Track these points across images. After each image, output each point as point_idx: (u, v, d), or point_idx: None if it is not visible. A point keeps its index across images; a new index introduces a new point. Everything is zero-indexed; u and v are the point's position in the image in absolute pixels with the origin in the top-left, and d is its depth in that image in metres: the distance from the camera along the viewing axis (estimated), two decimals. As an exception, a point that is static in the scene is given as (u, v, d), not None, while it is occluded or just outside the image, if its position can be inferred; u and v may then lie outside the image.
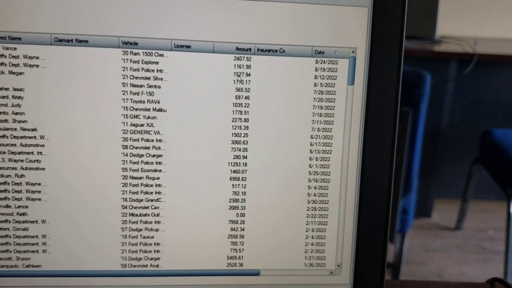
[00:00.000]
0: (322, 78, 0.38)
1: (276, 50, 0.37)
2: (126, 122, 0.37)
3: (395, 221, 1.34)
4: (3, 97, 0.36)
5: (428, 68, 1.37)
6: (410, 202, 1.42)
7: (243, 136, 0.38)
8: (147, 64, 0.36)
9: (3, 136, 0.36)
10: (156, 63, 0.36)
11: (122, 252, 0.38)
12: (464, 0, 2.36)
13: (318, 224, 0.39)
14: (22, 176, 0.37)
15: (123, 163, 0.37)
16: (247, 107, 0.37)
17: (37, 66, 0.36)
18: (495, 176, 1.70)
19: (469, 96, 2.08)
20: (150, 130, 0.37)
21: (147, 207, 0.38)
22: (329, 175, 0.39)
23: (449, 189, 2.16)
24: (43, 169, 0.37)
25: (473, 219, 2.09)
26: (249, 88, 0.37)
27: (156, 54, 0.36)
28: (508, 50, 2.08)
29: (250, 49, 0.37)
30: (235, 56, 0.37)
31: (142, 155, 0.37)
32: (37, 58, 0.36)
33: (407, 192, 1.38)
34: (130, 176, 0.37)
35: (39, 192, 0.37)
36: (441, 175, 2.13)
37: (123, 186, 0.37)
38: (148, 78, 0.36)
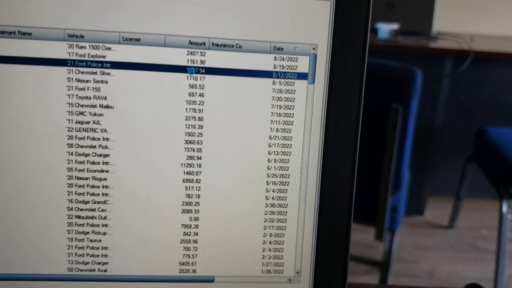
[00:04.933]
0: (281, 76, 0.36)
1: (232, 45, 0.35)
2: (71, 119, 0.35)
3: (384, 219, 1.32)
4: None
5: (423, 64, 1.35)
6: (400, 200, 1.40)
7: (197, 136, 0.36)
8: (93, 57, 0.34)
9: None
10: (103, 56, 0.34)
11: (69, 256, 0.36)
12: (462, -4, 2.33)
13: (276, 229, 0.37)
14: (-39, 174, 0.35)
15: (68, 163, 0.35)
16: (201, 104, 0.35)
17: (-22, 58, 0.34)
18: (488, 174, 1.68)
19: (464, 93, 2.05)
20: (97, 128, 0.35)
21: (94, 210, 0.36)
22: (288, 177, 0.37)
23: (443, 187, 2.14)
24: (-15, 167, 0.35)
25: (466, 218, 2.08)
26: (203, 85, 0.35)
27: (103, 48, 0.34)
28: (505, 48, 2.05)
29: (204, 44, 0.35)
30: (188, 51, 0.35)
31: (88, 154, 0.35)
32: (-22, 50, 0.34)
33: (397, 189, 1.36)
34: (75, 177, 0.35)
35: (-19, 191, 0.35)
36: (435, 172, 2.11)
37: (68, 186, 0.35)
38: (95, 73, 0.34)
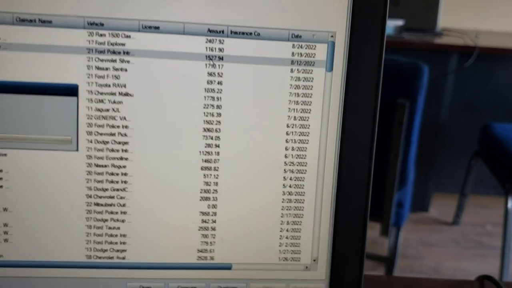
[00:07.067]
0: (299, 64, 0.36)
1: (251, 33, 0.35)
2: (91, 107, 0.35)
3: (390, 214, 1.32)
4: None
5: (428, 60, 1.34)
6: (405, 195, 1.40)
7: (216, 124, 0.36)
8: (113, 45, 0.34)
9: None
10: (123, 44, 0.34)
11: (87, 243, 0.37)
12: (467, -7, 2.33)
13: (294, 217, 0.38)
14: (-19, 162, 0.35)
15: (87, 150, 0.35)
16: (220, 93, 0.35)
17: (-2, 46, 0.34)
18: (494, 170, 1.68)
19: (469, 89, 2.05)
20: (116, 116, 0.35)
21: (113, 197, 0.36)
22: (305, 165, 0.37)
23: (448, 183, 2.14)
24: (5, 155, 0.35)
25: (471, 214, 2.08)
26: (222, 73, 0.35)
27: (123, 36, 0.34)
28: (510, 44, 2.05)
29: (223, 32, 0.35)
30: (207, 39, 0.35)
31: (108, 142, 0.35)
32: (-2, 38, 0.34)
33: (403, 185, 1.36)
34: (94, 164, 0.35)
35: (1, 179, 0.35)
36: (440, 169, 2.11)
37: (87, 174, 0.35)
38: (114, 61, 0.34)
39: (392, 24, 1.94)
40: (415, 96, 1.22)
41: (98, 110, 0.35)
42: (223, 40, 0.35)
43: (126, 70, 0.34)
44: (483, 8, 2.35)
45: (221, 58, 0.35)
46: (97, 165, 0.35)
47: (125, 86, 0.35)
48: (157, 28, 0.34)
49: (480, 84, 2.05)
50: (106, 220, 0.36)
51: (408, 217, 1.52)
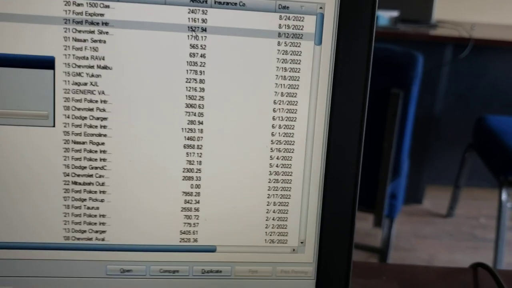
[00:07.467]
0: (287, 37, 0.34)
1: (236, 3, 0.33)
2: (68, 81, 0.33)
3: (383, 206, 1.31)
4: None
5: (423, 52, 1.33)
6: (399, 186, 1.39)
7: (199, 99, 0.34)
8: (91, 16, 0.33)
9: None
10: (101, 15, 0.33)
11: (65, 224, 0.35)
12: (462, -15, 2.31)
13: (281, 198, 0.36)
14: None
15: (64, 126, 0.34)
16: (203, 66, 0.34)
17: (-30, 16, 0.32)
18: (488, 163, 1.67)
19: (464, 81, 2.04)
20: (94, 90, 0.33)
21: (91, 175, 0.34)
22: (293, 144, 0.36)
23: (442, 175, 2.13)
24: (-22, 131, 0.33)
25: (465, 206, 2.07)
26: (205, 45, 0.34)
27: (102, 6, 0.33)
28: (505, 36, 2.04)
29: (206, 1, 0.33)
30: (189, 9, 0.33)
31: (85, 118, 0.34)
32: (-30, 7, 0.32)
33: (396, 176, 1.34)
34: (72, 141, 0.34)
35: (-27, 156, 0.34)
36: (434, 161, 2.10)
37: (65, 151, 0.34)
38: (92, 32, 0.33)
39: (387, 15, 1.93)
40: (409, 86, 1.21)
41: (76, 84, 0.33)
42: (206, 11, 0.33)
43: (104, 42, 0.33)
44: (478, 0, 2.34)
45: (204, 30, 0.33)
46: (74, 142, 0.34)
47: (103, 58, 0.33)
48: (137, -3, 0.33)
49: (475, 76, 2.04)
50: (85, 200, 0.35)
51: (401, 209, 1.51)
